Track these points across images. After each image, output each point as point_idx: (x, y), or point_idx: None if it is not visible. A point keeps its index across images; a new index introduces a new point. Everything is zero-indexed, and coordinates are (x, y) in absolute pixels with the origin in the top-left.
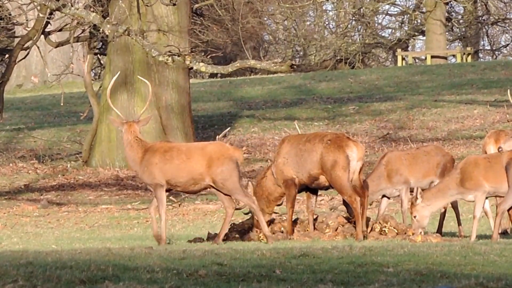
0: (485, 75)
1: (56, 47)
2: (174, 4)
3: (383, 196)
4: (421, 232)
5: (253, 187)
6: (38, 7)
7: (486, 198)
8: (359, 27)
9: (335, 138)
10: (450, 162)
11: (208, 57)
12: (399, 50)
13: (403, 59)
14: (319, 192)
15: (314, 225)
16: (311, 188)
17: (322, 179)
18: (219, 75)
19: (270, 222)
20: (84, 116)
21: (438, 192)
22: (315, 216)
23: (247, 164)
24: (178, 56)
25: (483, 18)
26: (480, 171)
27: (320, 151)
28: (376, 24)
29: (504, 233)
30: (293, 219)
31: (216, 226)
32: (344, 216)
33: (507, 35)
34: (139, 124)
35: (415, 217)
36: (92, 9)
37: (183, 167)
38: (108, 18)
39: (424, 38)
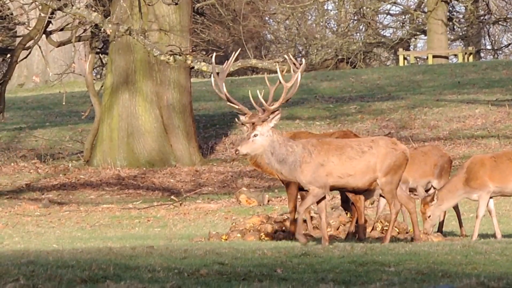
0: (487, 74)
1: (57, 47)
2: (176, 3)
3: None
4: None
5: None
6: (40, 7)
7: (491, 197)
8: (361, 26)
9: (342, 136)
10: (447, 163)
11: (210, 56)
12: (400, 49)
13: (404, 58)
14: None
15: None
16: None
17: None
18: None
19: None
20: (85, 115)
21: (448, 192)
22: (312, 215)
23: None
24: (180, 55)
25: (485, 17)
26: (486, 171)
27: None
28: (378, 24)
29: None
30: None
31: (218, 225)
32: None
33: (508, 34)
34: None
35: (429, 216)
36: (93, 9)
37: None
38: (109, 17)
39: (426, 37)
